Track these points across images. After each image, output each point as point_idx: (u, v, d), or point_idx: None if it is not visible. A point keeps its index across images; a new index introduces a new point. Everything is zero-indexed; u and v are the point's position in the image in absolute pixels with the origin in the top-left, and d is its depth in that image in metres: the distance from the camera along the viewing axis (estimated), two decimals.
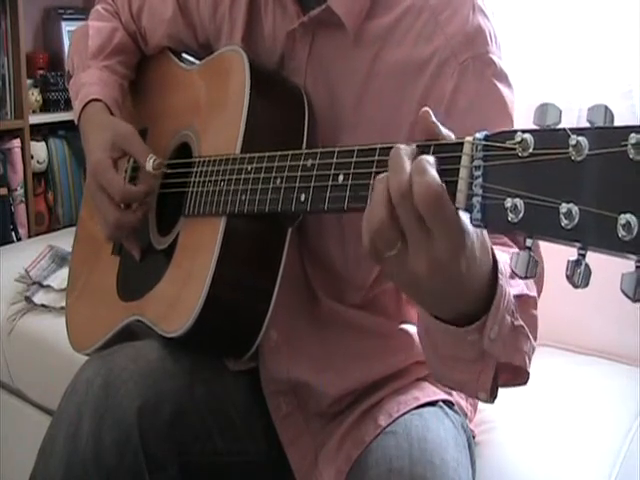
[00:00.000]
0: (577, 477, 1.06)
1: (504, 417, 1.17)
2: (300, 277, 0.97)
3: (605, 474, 1.07)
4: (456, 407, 1.00)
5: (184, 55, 1.12)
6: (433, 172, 0.58)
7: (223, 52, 1.00)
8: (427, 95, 0.86)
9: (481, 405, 1.11)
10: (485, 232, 0.64)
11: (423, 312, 0.70)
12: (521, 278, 0.56)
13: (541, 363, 1.35)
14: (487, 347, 0.68)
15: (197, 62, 1.08)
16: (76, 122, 1.11)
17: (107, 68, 1.13)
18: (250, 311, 0.91)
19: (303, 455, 0.98)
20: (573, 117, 1.42)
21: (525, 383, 0.76)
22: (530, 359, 0.75)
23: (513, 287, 0.71)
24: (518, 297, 0.72)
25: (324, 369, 0.97)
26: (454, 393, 1.01)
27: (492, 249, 0.67)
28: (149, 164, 0.98)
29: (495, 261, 0.67)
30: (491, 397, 0.74)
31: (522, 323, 0.72)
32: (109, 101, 1.09)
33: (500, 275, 0.67)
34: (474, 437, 1.04)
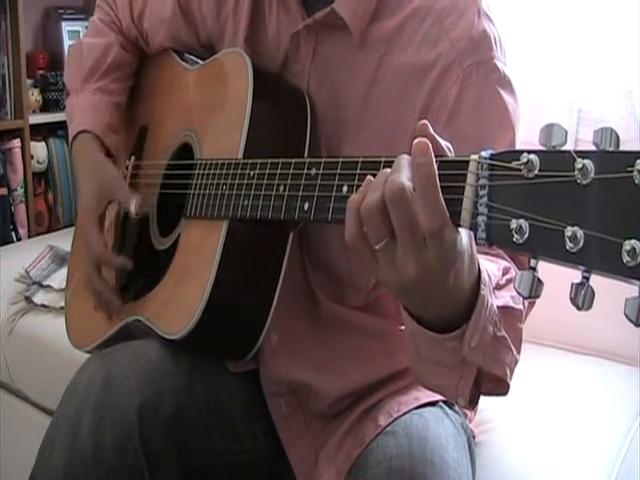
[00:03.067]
0: (577, 477, 1.06)
1: (504, 417, 1.17)
2: (301, 279, 0.97)
3: (605, 474, 1.07)
4: (456, 407, 1.00)
5: (186, 55, 1.12)
6: (404, 171, 0.60)
7: (226, 54, 1.00)
8: (431, 99, 0.86)
9: (481, 405, 1.11)
10: (474, 245, 0.65)
11: (406, 315, 0.70)
12: (525, 298, 0.56)
13: (541, 363, 1.36)
14: (467, 355, 0.69)
15: (199, 62, 1.08)
16: (70, 148, 1.14)
17: (99, 90, 1.14)
18: (251, 313, 0.91)
19: (303, 455, 0.98)
20: (573, 117, 1.43)
21: (505, 394, 0.77)
22: (512, 371, 0.75)
23: (498, 298, 0.72)
24: (502, 308, 0.72)
25: (325, 370, 0.97)
26: None
27: (477, 259, 0.67)
28: (132, 206, 1.02)
29: (479, 271, 0.67)
30: (470, 404, 0.75)
31: (505, 334, 0.72)
32: (99, 130, 1.11)
33: (482, 285, 0.67)
34: (474, 437, 1.04)
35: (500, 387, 0.76)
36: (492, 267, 0.75)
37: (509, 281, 0.77)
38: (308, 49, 0.94)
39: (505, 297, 0.74)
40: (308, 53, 0.94)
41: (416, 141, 0.61)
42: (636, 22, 1.42)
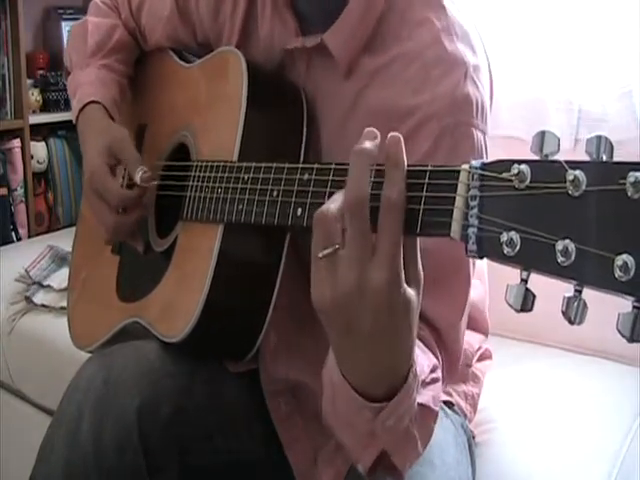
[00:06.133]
0: (577, 477, 1.06)
1: (504, 417, 1.17)
2: (299, 278, 0.97)
3: (605, 474, 1.07)
4: (456, 407, 1.00)
5: (183, 53, 1.12)
6: (364, 179, 0.59)
7: (221, 52, 0.99)
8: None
9: (481, 405, 1.11)
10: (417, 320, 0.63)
11: (334, 364, 0.68)
12: (516, 311, 0.54)
13: (541, 363, 1.36)
14: (377, 431, 0.67)
15: (196, 60, 1.08)
16: (74, 121, 1.11)
17: (105, 67, 1.13)
18: (249, 315, 0.90)
19: (303, 456, 0.98)
20: (573, 117, 1.43)
21: None
22: (410, 465, 0.73)
23: (420, 395, 0.70)
24: (422, 406, 0.71)
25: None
26: (454, 394, 1.01)
27: (414, 351, 0.65)
28: (137, 176, 0.97)
29: (412, 362, 0.66)
30: (369, 475, 0.71)
31: (416, 434, 0.70)
32: (107, 102, 1.09)
33: (411, 374, 0.66)
34: (474, 437, 1.04)
35: (397, 474, 0.73)
36: (423, 361, 0.74)
37: (434, 380, 0.77)
38: (302, 64, 0.94)
39: (427, 395, 0.73)
40: (302, 68, 0.95)
41: (392, 150, 0.60)
42: (636, 22, 1.42)
